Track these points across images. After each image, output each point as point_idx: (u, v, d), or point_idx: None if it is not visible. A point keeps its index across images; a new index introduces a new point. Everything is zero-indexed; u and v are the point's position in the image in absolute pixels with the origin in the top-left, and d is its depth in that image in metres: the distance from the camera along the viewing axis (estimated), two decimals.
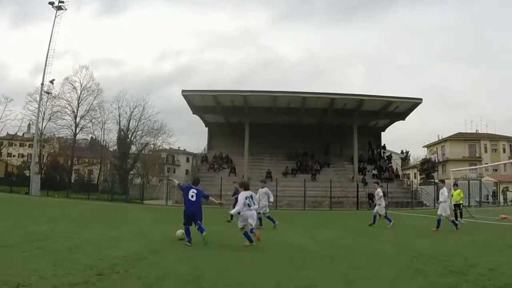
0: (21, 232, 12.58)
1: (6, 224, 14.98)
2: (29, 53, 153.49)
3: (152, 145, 75.52)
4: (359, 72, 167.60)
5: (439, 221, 17.04)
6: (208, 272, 7.35)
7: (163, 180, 65.41)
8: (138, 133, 72.96)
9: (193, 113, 57.51)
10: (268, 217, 17.95)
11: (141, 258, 8.74)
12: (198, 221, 11.43)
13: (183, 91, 52.67)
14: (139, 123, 72.27)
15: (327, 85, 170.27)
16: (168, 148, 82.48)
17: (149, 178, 72.59)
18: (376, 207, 20.37)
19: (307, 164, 54.18)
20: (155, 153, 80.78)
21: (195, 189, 11.62)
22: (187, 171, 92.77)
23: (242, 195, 11.99)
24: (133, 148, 74.12)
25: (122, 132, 72.26)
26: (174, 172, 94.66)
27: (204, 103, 54.33)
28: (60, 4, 62.08)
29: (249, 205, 11.76)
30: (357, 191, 44.31)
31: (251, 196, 11.95)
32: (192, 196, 11.47)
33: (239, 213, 12.07)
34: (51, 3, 62.15)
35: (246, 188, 12.45)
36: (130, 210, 31.90)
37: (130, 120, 72.16)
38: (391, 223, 19.19)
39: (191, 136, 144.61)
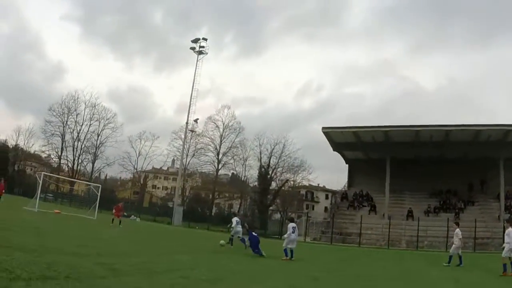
0: (167, 260, 14.05)
1: (154, 252, 16.73)
2: (174, 94, 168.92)
3: (292, 182, 78.38)
4: (505, 98, 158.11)
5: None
6: None
7: (302, 217, 67.60)
8: (278, 169, 76.94)
9: (334, 150, 59.53)
10: (241, 240, 23.26)
11: None
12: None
13: (323, 128, 54.94)
14: (279, 160, 76.30)
15: (470, 114, 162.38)
16: (307, 184, 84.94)
17: (288, 214, 75.18)
18: (452, 246, 22.27)
19: (450, 202, 53.05)
20: (295, 190, 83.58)
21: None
22: (326, 208, 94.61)
23: (290, 225, 19.37)
24: (273, 184, 77.78)
25: (263, 169, 76.13)
26: (313, 209, 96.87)
27: (344, 140, 56.13)
28: (200, 49, 69.03)
29: (292, 232, 18.86)
30: (503, 231, 42.69)
31: (295, 227, 19.19)
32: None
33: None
34: (192, 48, 69.22)
35: (292, 221, 20.84)
36: (270, 245, 33.74)
37: (271, 157, 76.61)
38: (449, 264, 21.28)
39: (331, 172, 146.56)
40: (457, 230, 22.12)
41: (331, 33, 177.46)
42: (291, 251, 18.51)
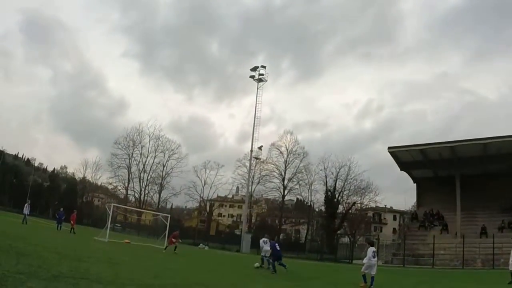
0: None
1: (230, 281, 17.19)
2: (235, 123, 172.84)
3: (359, 204, 77.78)
4: None
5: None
6: None
7: (371, 238, 66.96)
8: (345, 193, 76.54)
9: (401, 170, 58.96)
10: (268, 260, 24.48)
11: None
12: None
13: (389, 148, 54.94)
14: (345, 183, 76.03)
15: None
16: (374, 206, 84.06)
17: (356, 238, 74.63)
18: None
19: None
20: (362, 212, 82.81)
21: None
22: (394, 229, 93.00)
23: (370, 249, 17.94)
24: (340, 208, 77.21)
25: (329, 193, 76.02)
26: (381, 231, 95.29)
27: (411, 158, 55.65)
28: (260, 76, 70.16)
29: (373, 257, 17.52)
30: None
31: (375, 251, 18.00)
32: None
33: None
34: (252, 77, 70.57)
35: (372, 244, 18.87)
36: (342, 270, 33.46)
37: (336, 180, 76.67)
38: None
39: (397, 192, 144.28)
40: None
41: (387, 51, 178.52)
42: (372, 278, 17.54)
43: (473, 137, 51.00)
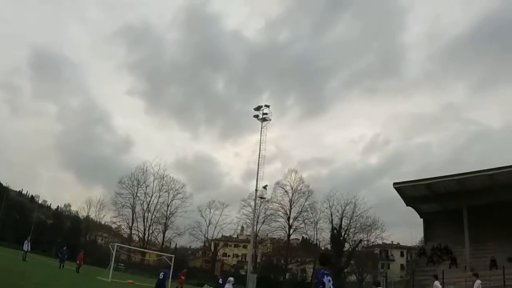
0: None
1: None
2: (240, 161, 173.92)
3: (365, 242, 77.54)
4: None
5: None
6: None
7: (378, 277, 66.70)
8: (351, 230, 76.32)
9: (407, 205, 58.80)
10: None
11: None
12: None
13: (394, 183, 54.86)
14: (351, 221, 75.92)
15: None
16: (381, 243, 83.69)
17: (364, 276, 74.08)
18: None
19: None
20: (368, 249, 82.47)
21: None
22: (402, 266, 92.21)
23: None
24: (347, 246, 76.96)
25: (335, 231, 75.98)
26: (389, 267, 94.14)
27: (417, 193, 55.38)
28: (264, 116, 71.00)
29: None
30: None
31: None
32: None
33: None
34: (256, 116, 71.52)
35: (378, 285, 16.92)
36: None
37: (342, 218, 76.58)
38: None
39: (403, 228, 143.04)
40: (477, 281, 20.93)
41: (392, 83, 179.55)
42: None
43: (481, 167, 50.80)
